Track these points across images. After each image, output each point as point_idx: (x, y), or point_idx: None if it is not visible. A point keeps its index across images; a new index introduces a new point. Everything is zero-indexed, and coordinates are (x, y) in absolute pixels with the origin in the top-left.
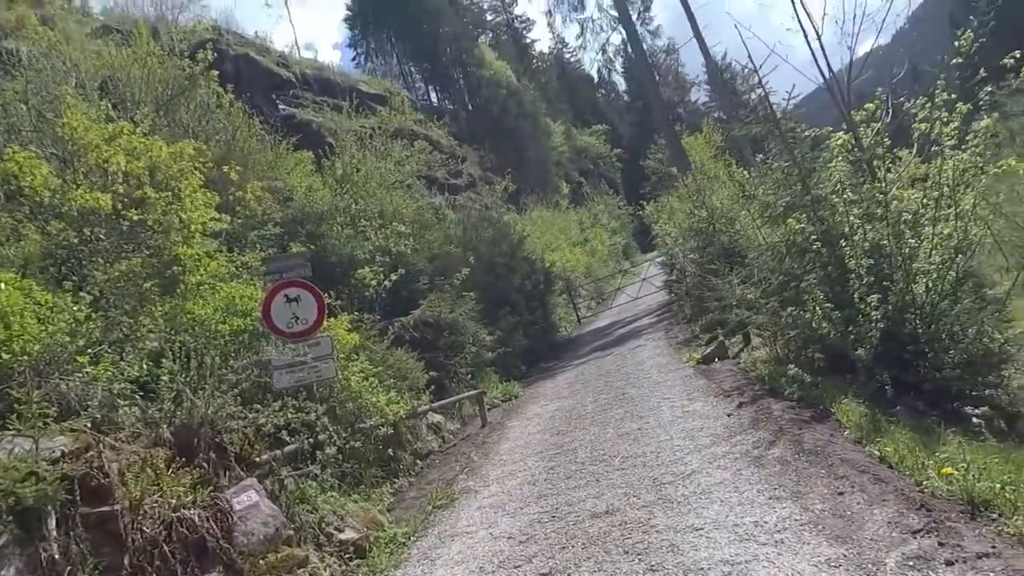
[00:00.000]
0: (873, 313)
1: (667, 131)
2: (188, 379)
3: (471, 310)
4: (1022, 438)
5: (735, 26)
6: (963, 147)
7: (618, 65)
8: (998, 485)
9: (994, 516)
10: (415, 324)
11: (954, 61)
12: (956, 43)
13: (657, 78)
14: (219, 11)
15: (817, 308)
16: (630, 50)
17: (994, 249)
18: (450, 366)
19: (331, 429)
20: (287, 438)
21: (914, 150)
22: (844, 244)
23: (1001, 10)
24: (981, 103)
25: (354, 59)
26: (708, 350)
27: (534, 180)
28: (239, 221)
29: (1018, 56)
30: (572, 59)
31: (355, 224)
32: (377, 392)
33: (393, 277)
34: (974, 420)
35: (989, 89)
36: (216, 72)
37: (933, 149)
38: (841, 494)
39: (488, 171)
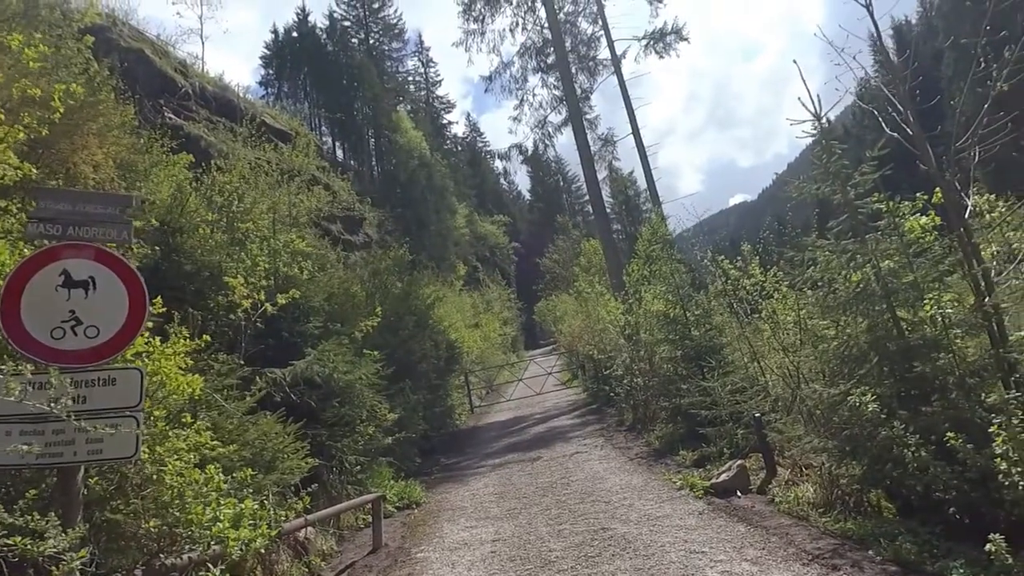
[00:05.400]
0: None
1: (600, 219)
2: None
3: (372, 374)
4: None
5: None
6: None
7: (555, 142)
8: None
9: None
10: (294, 380)
11: None
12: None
13: (595, 168)
14: (121, 4)
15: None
16: (551, 145)
17: None
18: (335, 451)
19: None
20: None
21: None
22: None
23: None
24: None
25: (263, 97)
26: (724, 476)
27: (432, 254)
28: (53, 182)
29: None
30: (484, 149)
31: (232, 228)
32: (215, 498)
33: (281, 299)
34: None
35: None
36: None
37: None
38: None
39: (387, 235)
